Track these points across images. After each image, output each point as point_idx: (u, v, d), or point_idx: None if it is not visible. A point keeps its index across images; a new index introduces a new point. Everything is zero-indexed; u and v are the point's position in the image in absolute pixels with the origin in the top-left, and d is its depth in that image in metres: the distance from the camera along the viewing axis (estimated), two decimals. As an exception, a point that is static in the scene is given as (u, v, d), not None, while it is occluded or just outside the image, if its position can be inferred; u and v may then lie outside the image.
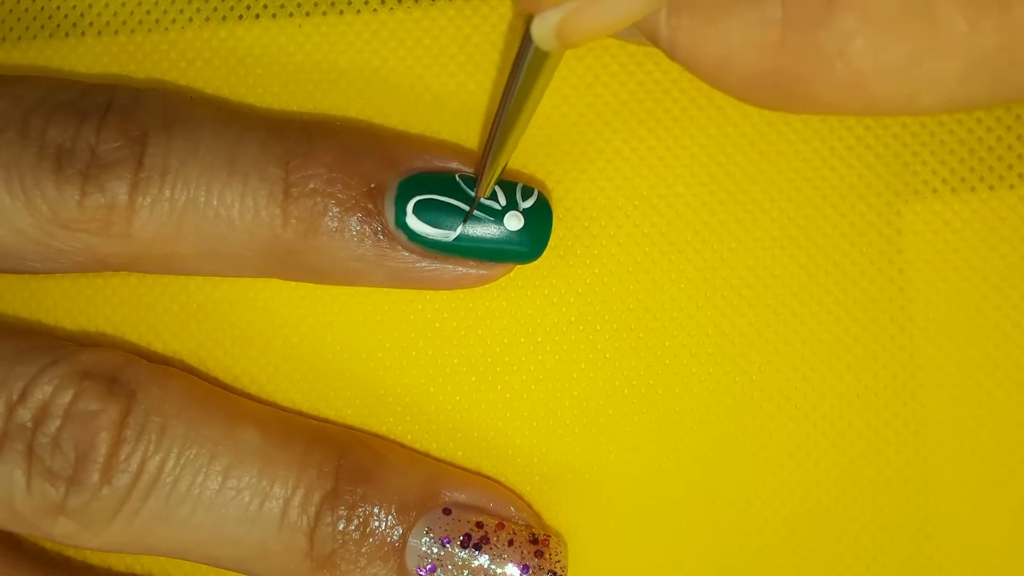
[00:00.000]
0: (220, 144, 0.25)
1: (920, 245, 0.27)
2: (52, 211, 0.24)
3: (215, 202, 0.25)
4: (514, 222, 0.25)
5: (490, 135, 0.24)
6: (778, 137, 0.27)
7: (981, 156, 0.27)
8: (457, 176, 0.26)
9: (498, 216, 0.25)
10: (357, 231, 0.25)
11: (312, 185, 0.25)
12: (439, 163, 0.26)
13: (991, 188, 0.27)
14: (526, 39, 0.21)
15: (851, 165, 0.27)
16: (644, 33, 0.23)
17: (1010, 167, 0.27)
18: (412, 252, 0.25)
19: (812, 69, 0.22)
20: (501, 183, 0.26)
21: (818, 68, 0.22)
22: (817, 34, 0.22)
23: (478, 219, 0.25)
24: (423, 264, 0.25)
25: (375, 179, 0.25)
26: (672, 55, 0.23)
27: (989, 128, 0.27)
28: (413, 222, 0.25)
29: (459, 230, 0.25)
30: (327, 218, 0.25)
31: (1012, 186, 0.27)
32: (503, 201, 0.25)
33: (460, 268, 0.26)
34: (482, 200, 0.25)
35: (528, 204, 0.25)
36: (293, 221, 0.25)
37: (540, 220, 0.25)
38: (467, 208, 0.25)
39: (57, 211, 0.24)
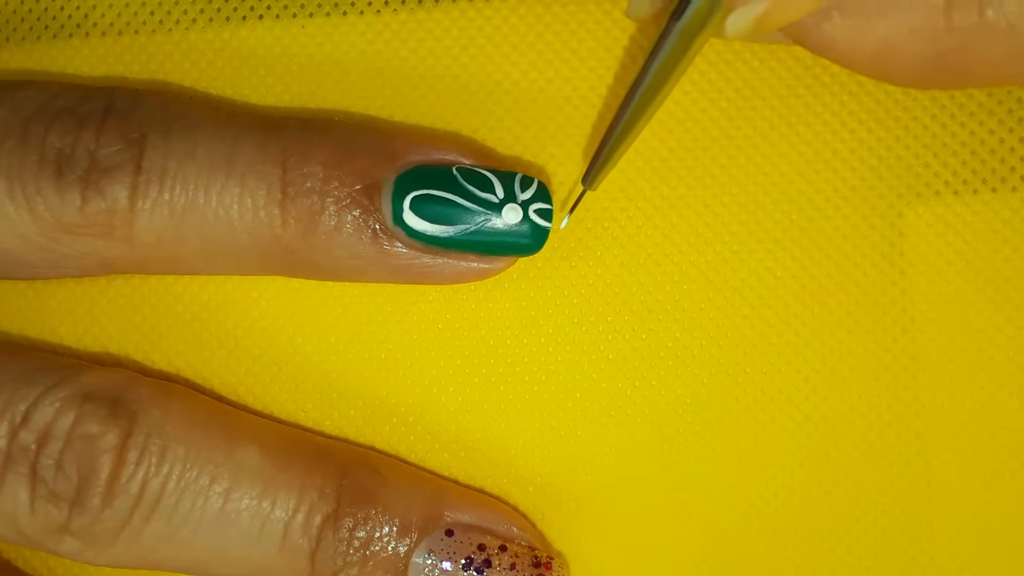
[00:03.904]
0: (218, 145, 0.25)
1: (922, 247, 0.27)
2: (55, 217, 0.25)
3: (214, 203, 0.25)
4: (512, 215, 0.25)
5: (612, 125, 0.24)
6: (781, 139, 0.27)
7: (983, 159, 0.27)
8: (454, 169, 0.25)
9: (496, 209, 0.25)
10: (355, 229, 0.25)
11: (309, 184, 0.25)
12: (437, 155, 0.26)
13: (993, 191, 0.27)
14: (672, 25, 0.22)
15: (854, 167, 0.27)
16: (791, 30, 0.24)
17: (1012, 169, 0.27)
18: (412, 248, 0.25)
19: (981, 47, 0.22)
20: (499, 174, 0.25)
21: (988, 45, 0.22)
22: (985, 13, 0.22)
23: (475, 213, 0.25)
24: (424, 260, 0.25)
25: (372, 176, 0.25)
26: (823, 51, 0.23)
27: (991, 131, 0.27)
28: (411, 219, 0.25)
29: (564, 222, 0.25)
30: (324, 217, 0.25)
31: (1014, 188, 0.27)
32: (501, 193, 0.25)
33: (461, 263, 0.25)
34: (479, 193, 0.25)
35: (527, 195, 0.25)
36: (291, 221, 0.25)
37: (539, 212, 0.25)
38: (464, 203, 0.25)
39: (60, 217, 0.25)
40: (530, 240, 0.25)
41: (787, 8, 0.21)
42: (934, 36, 0.22)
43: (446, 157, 0.26)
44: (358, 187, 0.25)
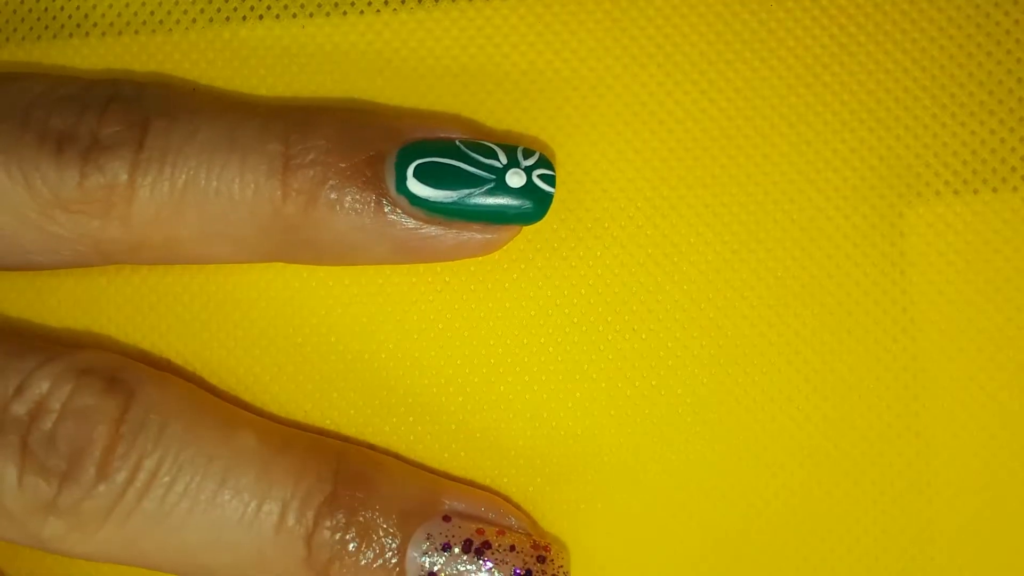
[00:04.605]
0: (220, 125, 0.25)
1: (923, 247, 0.27)
2: (52, 193, 0.24)
3: (215, 180, 0.24)
4: (516, 179, 0.25)
5: None
6: (781, 139, 0.27)
7: (984, 158, 0.27)
8: (458, 140, 0.25)
9: (499, 174, 0.25)
10: (358, 199, 0.25)
11: (311, 156, 0.25)
12: (441, 133, 0.25)
13: (994, 191, 0.27)
14: None
15: (854, 167, 0.27)
16: None
17: (1013, 169, 0.27)
18: (414, 218, 0.25)
19: None
20: (502, 145, 0.25)
21: None
22: None
23: (479, 177, 0.25)
24: (426, 230, 0.25)
25: (375, 148, 0.25)
26: None
27: (992, 131, 0.27)
28: (414, 185, 0.24)
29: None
30: (326, 188, 0.25)
31: (1015, 188, 0.27)
32: (504, 160, 0.25)
33: (464, 234, 0.25)
34: (482, 159, 0.25)
35: (530, 162, 0.25)
36: (293, 194, 0.25)
37: (542, 177, 0.25)
38: (467, 168, 0.25)
39: (57, 193, 0.24)
40: (533, 206, 0.25)
41: None
42: None
43: (449, 135, 0.25)
44: (361, 158, 0.25)
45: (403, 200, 0.25)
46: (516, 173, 0.25)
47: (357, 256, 0.26)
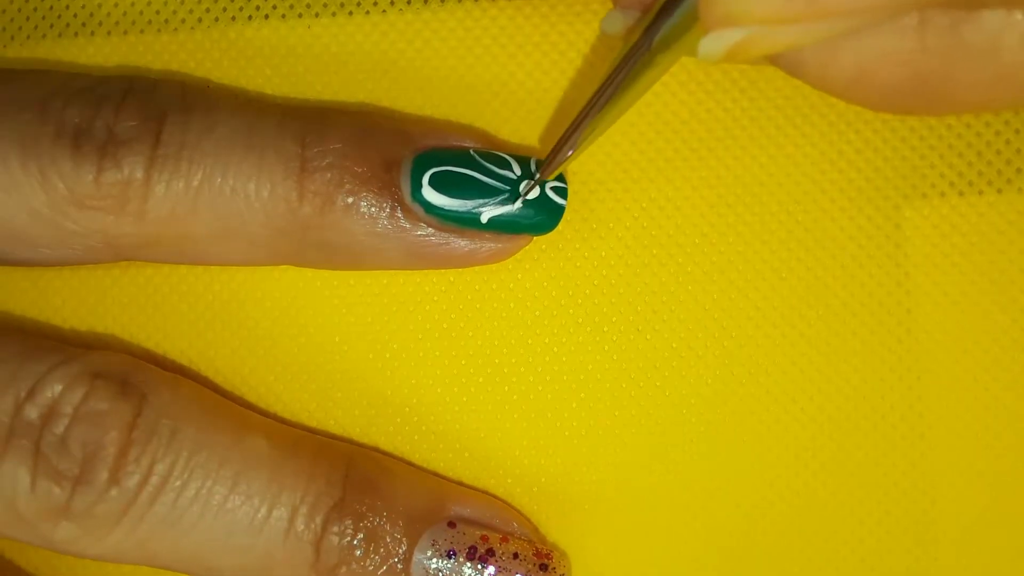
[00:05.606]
0: (237, 122, 0.25)
1: (926, 248, 0.27)
2: (68, 188, 0.24)
3: (231, 178, 0.25)
4: (530, 191, 0.25)
5: (574, 124, 0.24)
6: (786, 140, 0.27)
7: (989, 159, 0.27)
8: (472, 150, 0.25)
9: (514, 185, 0.25)
10: (373, 204, 0.25)
11: (328, 159, 0.25)
12: (454, 141, 0.26)
13: (999, 192, 0.27)
14: (644, 41, 0.22)
15: (859, 168, 0.27)
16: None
17: (1018, 171, 0.27)
18: (428, 225, 0.25)
19: (961, 70, 0.21)
20: (516, 157, 0.26)
21: (967, 68, 0.21)
22: (962, 33, 0.21)
23: (493, 188, 0.25)
24: (439, 238, 0.25)
25: (391, 154, 0.25)
26: (796, 73, 0.22)
27: (997, 132, 0.27)
28: (429, 193, 0.25)
29: (518, 204, 0.25)
30: (343, 192, 0.25)
31: (1020, 189, 0.27)
32: (518, 171, 0.25)
33: (476, 242, 0.25)
34: (497, 170, 0.25)
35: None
36: (309, 195, 0.25)
37: (555, 190, 0.25)
38: (482, 178, 0.25)
39: (73, 188, 0.24)
40: (546, 218, 0.25)
41: (763, 41, 0.20)
42: (910, 58, 0.21)
43: (463, 143, 0.26)
44: (377, 163, 0.25)
45: (418, 207, 0.25)
46: (530, 185, 0.25)
47: (369, 260, 0.26)
